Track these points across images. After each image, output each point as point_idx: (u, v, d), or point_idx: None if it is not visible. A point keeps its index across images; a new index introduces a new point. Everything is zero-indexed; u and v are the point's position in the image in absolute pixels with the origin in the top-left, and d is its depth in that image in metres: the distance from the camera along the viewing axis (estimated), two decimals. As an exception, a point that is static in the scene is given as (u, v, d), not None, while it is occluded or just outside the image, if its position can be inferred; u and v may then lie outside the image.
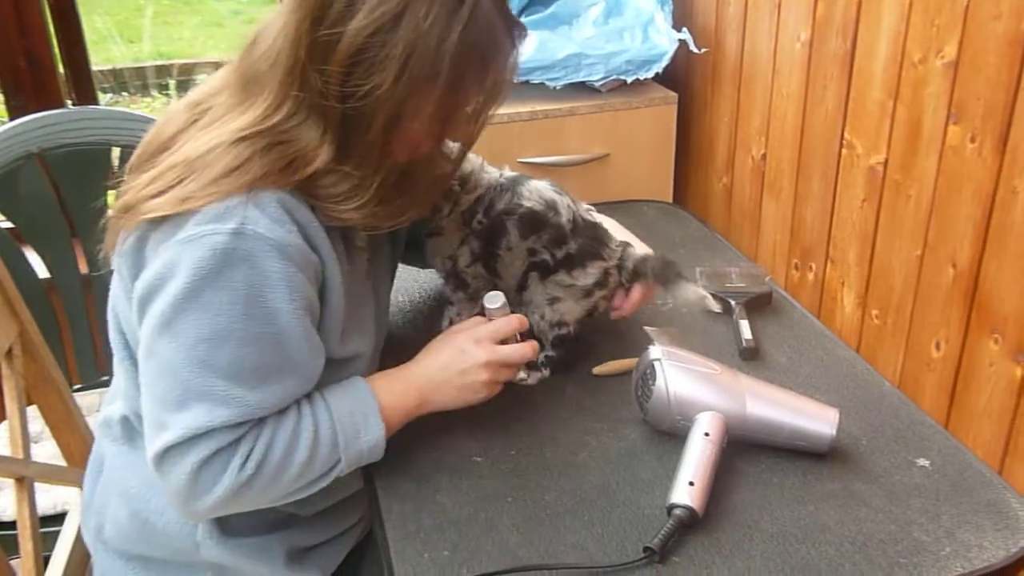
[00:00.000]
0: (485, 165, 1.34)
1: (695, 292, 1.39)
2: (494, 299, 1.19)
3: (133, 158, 1.09)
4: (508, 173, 1.34)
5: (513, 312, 1.20)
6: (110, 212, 1.06)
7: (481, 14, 0.99)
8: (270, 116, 1.00)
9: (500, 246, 1.31)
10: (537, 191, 1.31)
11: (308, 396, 1.06)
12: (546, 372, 1.36)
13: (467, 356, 1.13)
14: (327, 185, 1.02)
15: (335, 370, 1.10)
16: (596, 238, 1.33)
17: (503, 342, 1.16)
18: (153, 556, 1.17)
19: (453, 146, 1.20)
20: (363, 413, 1.07)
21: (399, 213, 1.10)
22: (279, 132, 1.00)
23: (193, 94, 1.10)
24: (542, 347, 1.32)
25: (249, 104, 1.02)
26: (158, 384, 0.97)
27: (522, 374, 1.32)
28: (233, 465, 0.98)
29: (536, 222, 1.30)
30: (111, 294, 1.12)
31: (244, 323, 0.96)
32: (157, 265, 0.97)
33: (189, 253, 0.95)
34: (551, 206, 1.30)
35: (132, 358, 1.10)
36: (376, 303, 1.23)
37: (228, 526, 1.14)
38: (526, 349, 1.17)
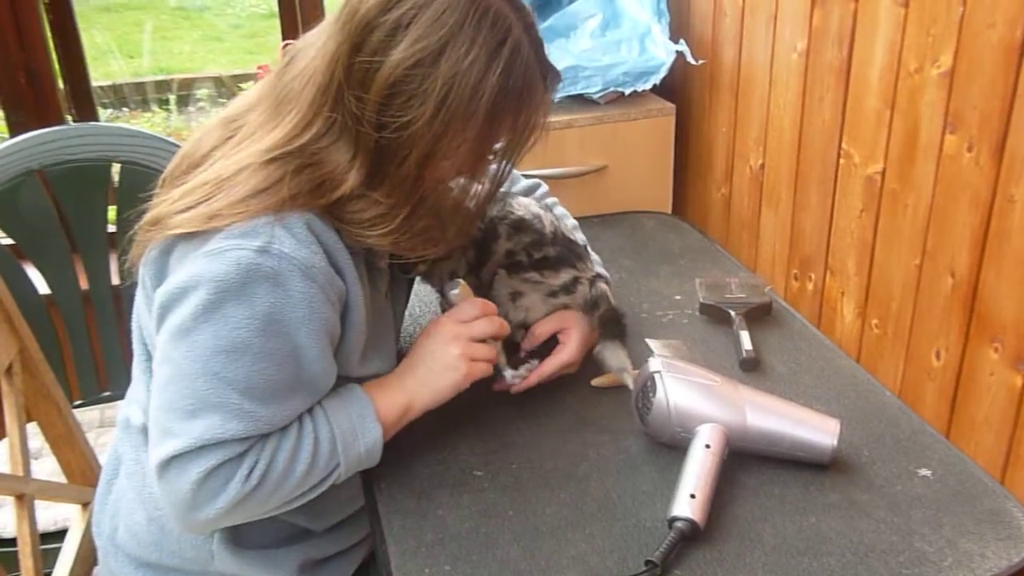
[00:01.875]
0: None
1: (619, 361, 1.32)
2: (452, 285, 1.20)
3: (166, 172, 1.10)
4: None
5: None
6: (138, 225, 1.06)
7: (520, 57, 1.00)
8: (299, 135, 1.01)
9: (491, 250, 1.31)
10: (524, 204, 1.33)
11: None
12: (534, 362, 1.33)
13: (434, 340, 1.15)
14: (355, 210, 1.03)
15: None
16: (574, 253, 1.34)
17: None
18: (164, 564, 1.17)
19: (482, 182, 1.19)
20: (360, 416, 1.08)
21: (426, 245, 1.11)
22: (309, 153, 1.01)
23: (228, 110, 1.11)
24: (512, 346, 1.32)
25: (279, 122, 1.02)
26: (169, 390, 0.97)
27: (511, 378, 1.30)
28: (238, 477, 0.98)
29: (521, 228, 1.31)
30: (135, 305, 1.14)
31: (262, 339, 0.97)
32: (180, 276, 0.98)
33: (214, 266, 0.96)
34: (536, 217, 1.33)
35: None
36: (395, 323, 1.24)
37: (243, 538, 1.15)
38: (490, 323, 1.17)
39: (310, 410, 1.06)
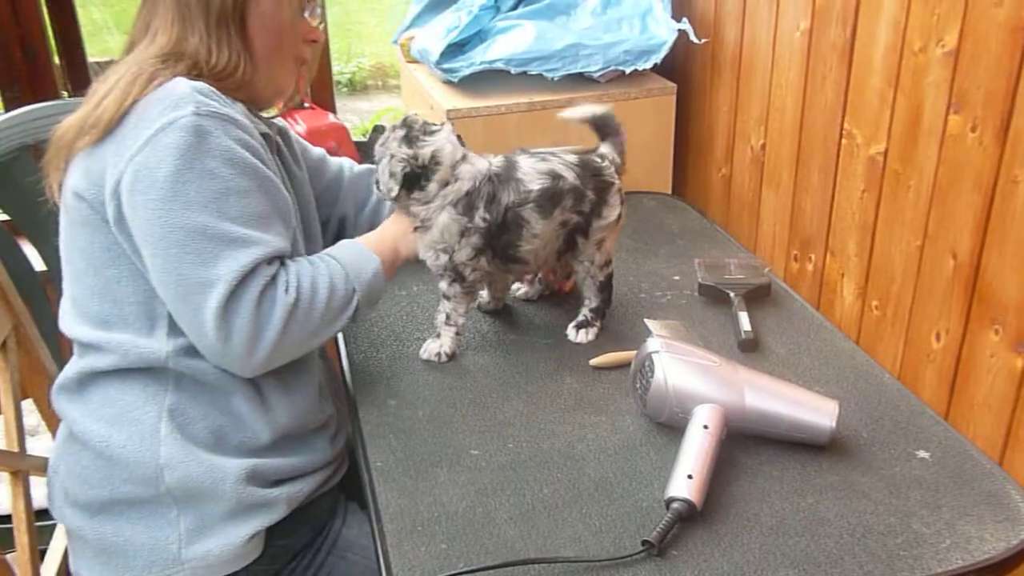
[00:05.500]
0: (470, 155, 1.32)
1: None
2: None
3: (55, 145, 1.19)
4: (496, 159, 1.34)
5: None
6: (53, 149, 1.17)
7: None
8: (164, 44, 1.18)
9: (522, 237, 1.32)
10: (533, 169, 1.33)
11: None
12: (597, 325, 1.43)
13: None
14: (225, 73, 1.19)
15: None
16: (595, 172, 1.37)
17: None
18: (117, 498, 1.17)
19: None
20: (357, 252, 1.24)
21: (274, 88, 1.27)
22: (175, 53, 1.18)
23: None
24: (587, 299, 1.43)
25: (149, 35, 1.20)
26: (187, 250, 1.07)
27: (578, 337, 1.42)
28: (279, 292, 1.11)
29: (554, 198, 1.32)
30: (63, 232, 1.20)
31: (236, 179, 1.10)
32: (139, 160, 1.08)
33: (167, 139, 1.08)
34: (553, 175, 1.32)
35: (96, 271, 1.17)
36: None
37: (191, 444, 1.16)
38: None
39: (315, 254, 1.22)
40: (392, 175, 1.28)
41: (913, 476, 1.14)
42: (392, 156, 1.29)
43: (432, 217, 1.30)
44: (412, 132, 1.29)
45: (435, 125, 1.32)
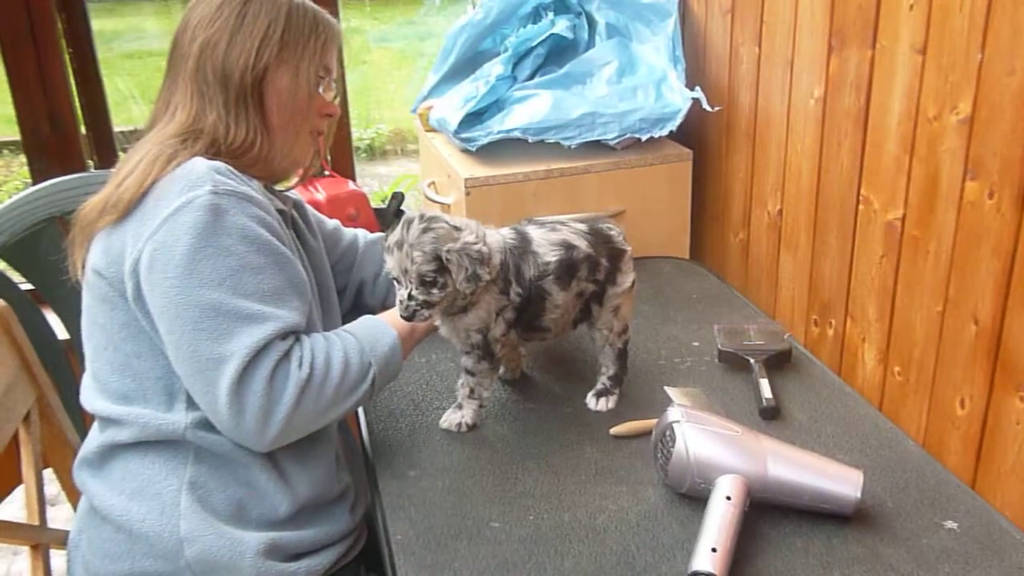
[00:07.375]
0: (480, 228, 1.30)
1: None
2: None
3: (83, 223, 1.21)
4: (504, 231, 1.34)
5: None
6: (78, 228, 1.20)
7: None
8: (183, 122, 1.21)
9: (545, 309, 1.33)
10: (545, 241, 1.33)
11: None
12: (616, 392, 1.43)
13: None
14: (241, 150, 1.22)
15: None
16: (606, 240, 1.38)
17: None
18: (137, 572, 1.17)
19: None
20: (373, 326, 1.25)
21: (288, 165, 1.31)
22: (191, 131, 1.21)
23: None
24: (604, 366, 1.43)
25: (167, 114, 1.23)
26: (201, 326, 1.08)
27: (597, 405, 1.42)
28: (292, 368, 1.11)
29: (570, 269, 1.33)
30: (85, 308, 1.22)
31: (251, 256, 1.12)
32: (157, 239, 1.10)
33: (184, 218, 1.10)
34: (566, 246, 1.33)
35: (116, 347, 1.19)
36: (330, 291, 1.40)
37: (211, 516, 1.16)
38: None
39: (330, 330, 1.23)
40: (481, 261, 1.24)
41: (942, 547, 1.12)
42: (463, 249, 1.23)
43: (475, 299, 1.29)
44: (452, 222, 1.26)
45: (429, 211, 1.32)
